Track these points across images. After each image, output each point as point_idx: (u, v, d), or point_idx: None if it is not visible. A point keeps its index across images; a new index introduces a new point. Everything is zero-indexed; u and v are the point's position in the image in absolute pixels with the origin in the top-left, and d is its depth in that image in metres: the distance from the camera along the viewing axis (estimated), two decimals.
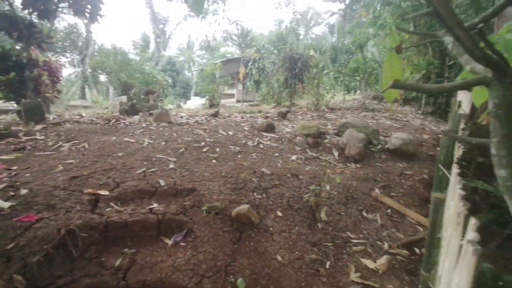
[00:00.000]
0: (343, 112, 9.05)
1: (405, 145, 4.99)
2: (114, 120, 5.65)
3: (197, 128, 5.35)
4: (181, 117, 6.91)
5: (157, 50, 36.59)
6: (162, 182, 2.89)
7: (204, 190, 2.84)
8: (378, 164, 4.71)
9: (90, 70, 20.60)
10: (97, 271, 1.90)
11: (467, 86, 0.91)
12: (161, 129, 5.18)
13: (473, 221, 0.57)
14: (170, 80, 22.69)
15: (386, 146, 5.19)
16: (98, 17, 6.81)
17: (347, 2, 8.35)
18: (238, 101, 13.67)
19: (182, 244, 2.28)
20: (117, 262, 1.96)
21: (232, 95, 18.81)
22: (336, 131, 5.66)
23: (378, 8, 9.70)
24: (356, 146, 4.79)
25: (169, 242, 2.26)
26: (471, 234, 0.50)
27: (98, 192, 2.51)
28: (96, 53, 23.49)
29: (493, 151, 0.80)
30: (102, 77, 20.57)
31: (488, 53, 0.72)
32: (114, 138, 4.36)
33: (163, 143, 4.28)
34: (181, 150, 4.03)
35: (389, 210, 3.50)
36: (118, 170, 3.04)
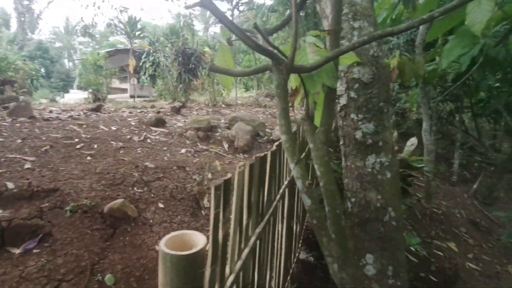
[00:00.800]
0: (238, 108, 9.58)
1: None
2: None
3: (70, 124, 4.66)
4: (51, 111, 5.85)
5: (22, 32, 29.46)
6: (10, 185, 2.41)
7: (70, 189, 2.54)
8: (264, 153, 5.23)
9: None
10: None
11: (259, 72, 1.17)
12: (17, 125, 4.26)
13: (240, 169, 0.77)
14: (42, 69, 18.71)
15: (271, 137, 5.81)
16: None
17: (233, 3, 8.86)
18: (131, 97, 12.50)
19: (35, 251, 1.98)
20: None
21: (125, 90, 17.02)
22: (227, 124, 5.95)
23: (266, 13, 10.65)
24: (244, 138, 5.18)
25: (17, 251, 1.93)
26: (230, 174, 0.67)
27: None
28: None
29: (278, 121, 1.05)
30: None
31: (264, 45, 0.95)
32: None
33: (19, 141, 3.55)
34: (45, 148, 3.44)
35: None
36: None
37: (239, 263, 0.88)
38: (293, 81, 1.37)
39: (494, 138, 9.29)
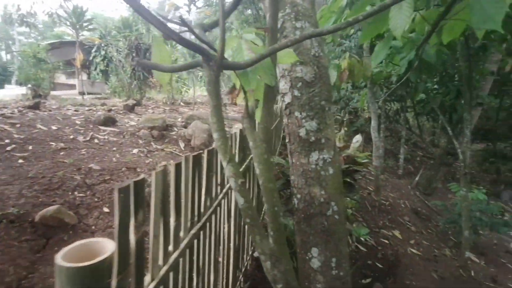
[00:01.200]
0: (197, 106, 9.37)
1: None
2: None
3: (0, 123, 4.13)
4: None
5: None
6: None
7: None
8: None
9: None
10: None
11: (189, 67, 1.13)
12: None
13: (160, 168, 0.73)
14: None
15: (228, 136, 5.76)
16: None
17: None
18: (81, 93, 11.51)
19: None
20: None
21: (73, 86, 15.61)
22: (184, 123, 5.77)
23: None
24: (201, 136, 5.06)
25: None
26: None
27: None
28: None
29: (210, 119, 1.02)
30: None
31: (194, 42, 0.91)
32: None
33: None
34: None
35: None
36: None
37: (165, 268, 0.83)
38: (233, 78, 1.34)
39: (433, 135, 10.30)
